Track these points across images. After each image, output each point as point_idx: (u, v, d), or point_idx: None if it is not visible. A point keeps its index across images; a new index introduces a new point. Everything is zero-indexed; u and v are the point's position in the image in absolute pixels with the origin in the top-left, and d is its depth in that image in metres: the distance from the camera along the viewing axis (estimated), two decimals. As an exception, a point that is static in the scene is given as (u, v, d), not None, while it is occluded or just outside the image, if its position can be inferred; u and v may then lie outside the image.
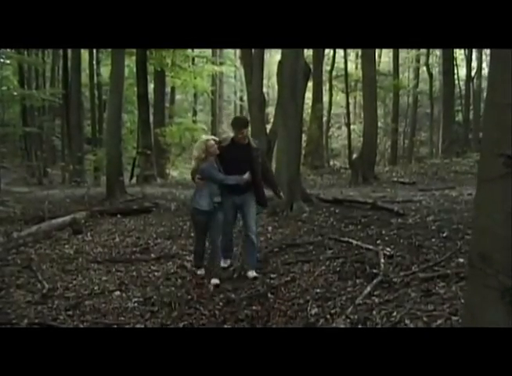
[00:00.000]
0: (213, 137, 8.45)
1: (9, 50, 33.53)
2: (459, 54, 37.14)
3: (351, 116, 34.68)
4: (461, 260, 7.33)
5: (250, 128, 8.47)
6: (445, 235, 8.62)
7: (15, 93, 32.59)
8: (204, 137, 8.41)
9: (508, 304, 2.46)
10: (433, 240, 8.46)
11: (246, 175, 7.89)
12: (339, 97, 43.44)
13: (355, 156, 28.07)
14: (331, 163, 35.27)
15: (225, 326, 6.32)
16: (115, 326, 6.48)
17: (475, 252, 2.58)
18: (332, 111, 37.30)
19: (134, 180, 27.29)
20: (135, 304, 7.26)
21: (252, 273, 8.00)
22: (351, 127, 32.37)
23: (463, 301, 5.95)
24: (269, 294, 6.91)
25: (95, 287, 8.03)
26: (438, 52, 38.61)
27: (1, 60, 33.89)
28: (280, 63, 14.36)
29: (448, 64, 28.59)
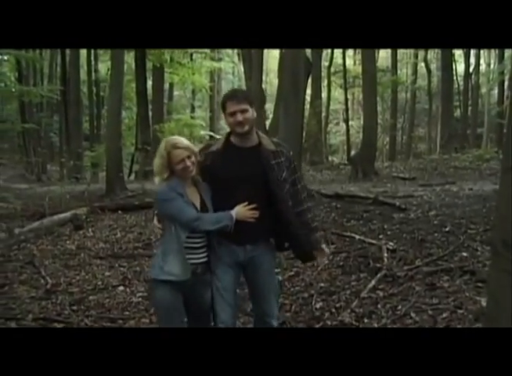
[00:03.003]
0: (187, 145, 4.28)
1: (6, 46, 33.43)
2: (458, 50, 37.13)
3: (350, 112, 34.66)
4: (464, 254, 7.36)
5: (253, 112, 4.36)
6: (447, 229, 8.63)
7: (13, 89, 32.45)
8: (174, 137, 4.44)
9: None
10: (435, 234, 8.48)
11: (242, 211, 4.14)
12: (337, 93, 43.48)
13: (353, 152, 28.11)
14: (330, 159, 35.30)
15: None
16: (120, 321, 6.49)
17: (498, 239, 2.59)
18: (330, 107, 37.32)
19: (132, 176, 27.27)
20: (140, 299, 7.25)
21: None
22: (350, 123, 32.40)
23: (467, 294, 6.00)
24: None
25: (99, 283, 8.03)
26: (436, 47, 38.62)
27: (-1, 57, 33.85)
28: (281, 58, 14.34)
29: (447, 60, 28.58)
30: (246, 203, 4.15)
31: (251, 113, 4.25)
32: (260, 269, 4.36)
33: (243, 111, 4.19)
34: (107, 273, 8.50)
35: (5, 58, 33.66)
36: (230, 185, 4.23)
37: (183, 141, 4.22)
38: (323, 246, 4.62)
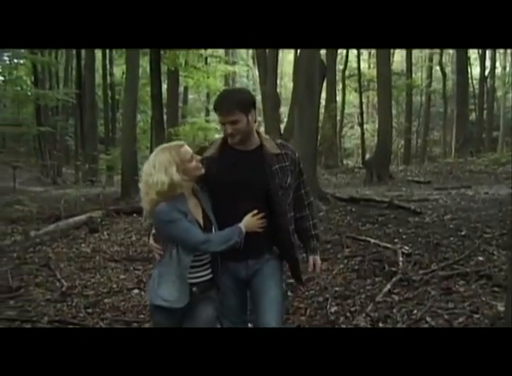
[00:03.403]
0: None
1: (22, 50, 33.73)
2: (473, 53, 37.00)
3: (364, 115, 34.59)
4: (480, 258, 7.32)
5: (250, 117, 3.79)
6: (463, 233, 8.59)
7: (29, 93, 32.67)
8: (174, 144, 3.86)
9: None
10: (451, 238, 8.44)
11: (251, 221, 3.73)
12: (352, 96, 43.41)
13: (368, 155, 28.04)
14: (344, 162, 35.26)
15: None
16: (135, 324, 6.50)
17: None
18: (345, 111, 37.27)
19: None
20: (155, 302, 7.25)
21: None
22: (364, 126, 32.34)
23: (483, 299, 5.96)
24: (288, 293, 6.89)
25: (114, 285, 8.04)
26: (451, 51, 38.49)
27: (15, 61, 34.02)
28: (296, 62, 14.33)
29: (462, 63, 28.49)
30: (254, 212, 3.72)
31: (244, 121, 3.72)
32: (262, 278, 3.88)
33: (233, 123, 3.69)
34: (122, 276, 8.52)
35: (22, 62, 33.85)
36: (228, 193, 3.81)
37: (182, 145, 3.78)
38: (311, 258, 4.06)
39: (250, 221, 3.73)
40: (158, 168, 3.56)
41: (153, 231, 3.83)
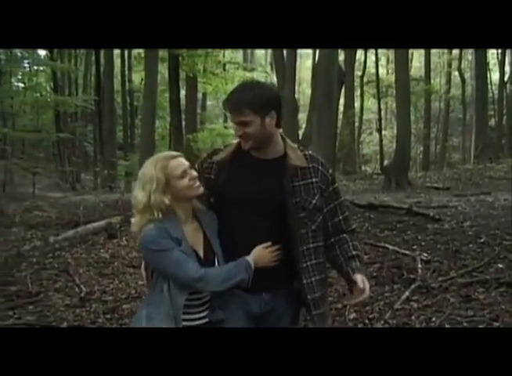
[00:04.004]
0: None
1: (42, 57, 33.99)
2: (492, 58, 36.80)
3: (383, 121, 34.51)
4: (500, 266, 7.26)
5: (265, 120, 3.08)
6: (482, 240, 8.52)
7: (48, 99, 32.92)
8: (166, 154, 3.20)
9: None
10: (470, 245, 8.38)
11: (263, 254, 3.09)
12: (370, 102, 43.32)
13: (386, 161, 27.96)
14: (363, 168, 35.19)
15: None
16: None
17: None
18: (363, 117, 37.22)
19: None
20: (173, 308, 7.27)
21: None
22: (383, 132, 32.25)
23: (503, 306, 5.92)
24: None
25: (132, 291, 8.06)
26: (470, 56, 38.33)
27: (35, 67, 34.29)
28: (314, 68, 14.34)
29: (481, 69, 28.32)
30: (267, 244, 3.07)
31: (258, 124, 3.05)
32: (277, 321, 3.25)
33: (244, 124, 3.06)
34: (140, 282, 8.52)
35: (41, 68, 34.12)
36: (237, 211, 3.15)
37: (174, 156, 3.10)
38: (359, 276, 3.14)
39: (261, 254, 3.05)
40: (138, 183, 3.01)
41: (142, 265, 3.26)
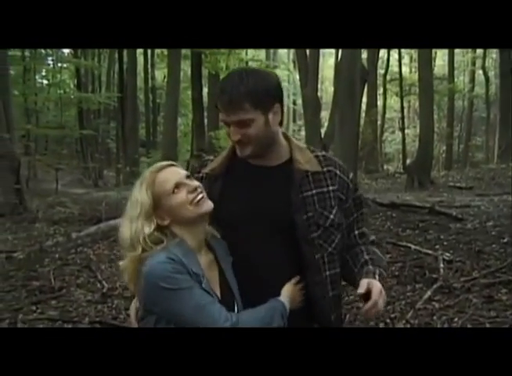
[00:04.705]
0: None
1: (66, 54, 34.27)
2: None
3: (405, 120, 34.36)
4: (523, 266, 7.22)
5: (270, 116, 2.37)
6: (505, 241, 8.45)
7: (72, 96, 33.20)
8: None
9: None
10: (493, 245, 8.32)
11: (294, 292, 2.40)
12: (393, 101, 43.15)
13: (409, 160, 27.84)
14: (385, 167, 35.07)
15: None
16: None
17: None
18: (386, 115, 37.09)
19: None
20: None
21: None
22: (406, 131, 32.11)
23: (526, 307, 5.88)
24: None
25: (154, 288, 8.09)
26: (494, 54, 38.02)
27: (59, 64, 34.59)
28: (337, 66, 14.30)
29: (505, 67, 28.04)
30: (296, 278, 2.41)
31: (261, 123, 2.35)
32: None
33: (243, 124, 2.34)
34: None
35: (65, 66, 34.39)
36: (236, 234, 2.46)
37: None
38: (361, 283, 2.31)
39: (293, 292, 2.40)
40: (125, 213, 2.34)
41: (137, 300, 2.36)
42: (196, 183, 2.33)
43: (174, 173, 2.32)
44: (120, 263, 2.34)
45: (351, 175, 2.62)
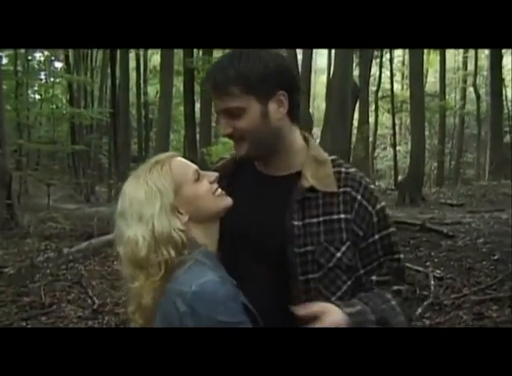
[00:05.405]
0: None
1: (59, 69, 34.30)
2: (508, 74, 36.71)
3: (397, 137, 34.51)
4: (514, 283, 7.24)
5: (286, 101, 1.85)
6: (496, 258, 8.48)
7: (64, 111, 33.17)
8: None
9: None
10: (484, 262, 8.35)
11: None
12: (384, 118, 43.34)
13: (400, 177, 27.91)
14: (377, 184, 35.12)
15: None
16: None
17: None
18: (378, 132, 37.24)
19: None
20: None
21: None
22: (397, 148, 32.23)
23: (516, 325, 5.90)
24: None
25: (145, 304, 8.07)
26: (485, 72, 38.25)
27: (52, 79, 34.59)
28: (329, 83, 14.38)
29: (496, 85, 28.25)
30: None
31: (256, 112, 1.82)
32: None
33: (233, 113, 1.84)
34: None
35: (58, 80, 34.40)
36: (236, 253, 1.96)
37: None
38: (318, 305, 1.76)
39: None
40: (123, 220, 1.91)
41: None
42: (216, 173, 1.92)
43: (189, 162, 1.93)
44: (136, 284, 1.77)
45: (379, 205, 1.93)
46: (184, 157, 1.96)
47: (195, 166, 1.90)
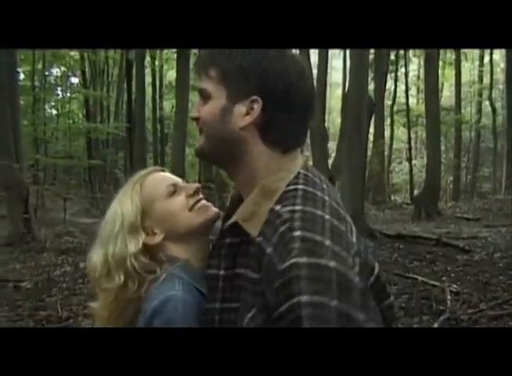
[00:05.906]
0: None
1: (75, 85, 34.55)
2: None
3: (413, 151, 34.42)
4: (531, 298, 7.20)
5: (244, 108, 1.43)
6: (513, 272, 8.46)
7: (80, 126, 33.40)
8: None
9: None
10: (500, 277, 8.31)
11: None
12: (400, 132, 43.26)
13: (416, 191, 27.84)
14: (392, 198, 35.04)
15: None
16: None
17: None
18: (393, 146, 37.19)
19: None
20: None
21: None
22: (413, 162, 32.15)
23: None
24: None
25: (160, 318, 8.08)
26: (501, 85, 38.15)
27: (68, 94, 34.88)
28: (344, 97, 14.41)
29: (512, 98, 28.17)
30: None
31: (220, 103, 1.50)
32: None
33: (201, 95, 1.56)
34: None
35: (74, 96, 34.67)
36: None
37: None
38: None
39: None
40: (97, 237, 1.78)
41: None
42: (196, 185, 1.78)
43: (168, 176, 1.82)
44: (92, 305, 1.79)
45: (294, 260, 1.20)
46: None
47: (173, 180, 1.77)
